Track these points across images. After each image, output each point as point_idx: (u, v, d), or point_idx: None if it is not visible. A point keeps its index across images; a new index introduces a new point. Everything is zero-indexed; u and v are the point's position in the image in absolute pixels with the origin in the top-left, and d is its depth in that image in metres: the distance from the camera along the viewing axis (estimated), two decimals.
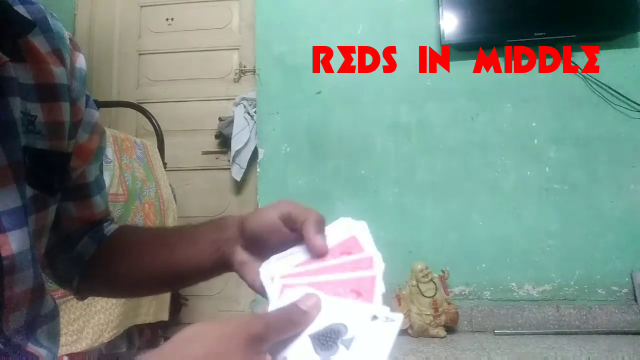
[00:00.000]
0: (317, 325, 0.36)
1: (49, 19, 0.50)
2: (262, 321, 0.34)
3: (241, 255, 0.49)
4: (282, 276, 0.42)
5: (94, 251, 0.58)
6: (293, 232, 0.45)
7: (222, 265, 0.50)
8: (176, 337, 0.33)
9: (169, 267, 0.53)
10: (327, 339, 0.35)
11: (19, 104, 0.43)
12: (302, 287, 0.40)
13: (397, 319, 0.35)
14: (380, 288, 0.39)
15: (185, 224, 0.56)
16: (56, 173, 0.49)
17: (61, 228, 0.56)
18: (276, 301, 0.39)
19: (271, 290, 0.41)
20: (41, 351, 0.46)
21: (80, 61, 0.54)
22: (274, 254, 0.45)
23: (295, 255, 0.44)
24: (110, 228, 0.61)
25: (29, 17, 0.46)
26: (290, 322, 0.35)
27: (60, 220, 0.55)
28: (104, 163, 0.68)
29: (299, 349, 0.35)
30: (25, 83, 0.45)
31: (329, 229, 0.45)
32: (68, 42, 0.52)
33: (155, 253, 0.55)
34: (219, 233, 0.51)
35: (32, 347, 0.45)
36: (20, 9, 0.46)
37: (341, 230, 0.44)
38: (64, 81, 0.49)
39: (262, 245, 0.47)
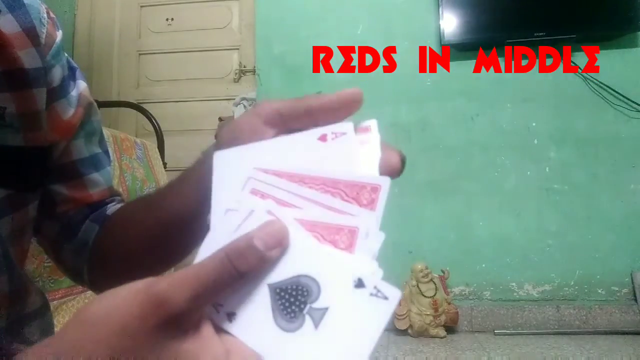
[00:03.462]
0: (280, 272, 0.26)
1: None
2: (182, 292, 0.24)
3: None
4: (249, 176, 0.29)
5: (96, 235, 0.51)
6: (284, 130, 0.34)
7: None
8: (67, 331, 0.25)
9: (161, 227, 0.45)
10: (291, 302, 0.25)
11: None
12: (269, 204, 0.27)
13: (392, 298, 0.24)
14: (376, 236, 0.27)
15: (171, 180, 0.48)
16: (34, 169, 0.45)
17: (59, 213, 0.51)
18: (221, 224, 0.28)
19: (219, 186, 0.30)
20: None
21: (57, 35, 0.48)
22: None
23: (274, 145, 0.31)
24: (114, 208, 0.54)
25: None
26: (237, 273, 0.24)
27: (55, 205, 0.50)
28: None
29: (253, 302, 0.25)
30: None
31: None
32: (44, 14, 0.46)
33: (146, 218, 0.47)
34: (199, 169, 0.41)
35: (18, 348, 0.44)
36: None
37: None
38: (38, 64, 0.43)
39: None
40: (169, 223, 0.44)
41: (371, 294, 0.24)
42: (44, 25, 0.45)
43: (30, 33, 0.43)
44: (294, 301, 0.25)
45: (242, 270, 0.24)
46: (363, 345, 0.24)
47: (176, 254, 0.49)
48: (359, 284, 0.25)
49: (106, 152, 0.56)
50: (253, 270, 0.25)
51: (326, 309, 0.25)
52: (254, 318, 0.25)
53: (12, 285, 0.43)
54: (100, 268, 0.52)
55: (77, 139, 0.51)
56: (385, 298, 0.24)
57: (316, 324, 0.24)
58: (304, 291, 0.25)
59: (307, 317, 0.25)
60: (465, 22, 2.14)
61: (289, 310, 0.25)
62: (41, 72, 0.44)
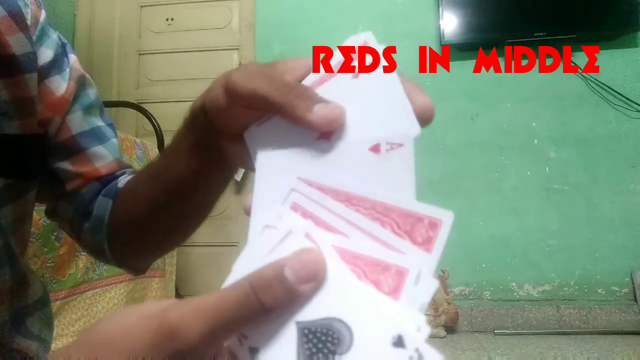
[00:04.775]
0: (311, 310, 0.22)
1: None
2: (199, 324, 0.21)
3: (228, 147, 0.34)
4: (292, 187, 0.26)
5: (111, 209, 0.49)
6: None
7: (217, 163, 0.38)
8: (70, 352, 0.24)
9: (165, 194, 0.43)
10: (319, 348, 0.22)
11: None
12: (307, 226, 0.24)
13: None
14: (429, 284, 0.22)
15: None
16: (32, 157, 0.44)
17: (70, 192, 0.49)
18: (256, 247, 0.25)
19: (260, 198, 0.27)
20: (31, 343, 0.45)
21: (42, 16, 0.47)
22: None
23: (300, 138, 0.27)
24: (124, 180, 0.52)
25: None
26: (261, 307, 0.22)
27: (64, 184, 0.49)
28: None
29: (279, 340, 0.23)
30: None
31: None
32: None
33: (150, 185, 0.45)
34: (192, 131, 0.37)
35: (20, 341, 0.44)
36: None
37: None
38: (27, 49, 0.42)
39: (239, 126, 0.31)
40: (172, 187, 0.42)
41: (410, 357, 0.21)
42: (28, 6, 0.44)
43: (17, 16, 0.42)
44: (322, 347, 0.22)
45: (267, 304, 0.21)
46: None
47: (187, 219, 0.47)
48: (399, 342, 0.21)
49: (110, 125, 0.54)
50: (280, 306, 0.22)
51: (351, 337, 0.21)
52: (278, 356, 0.22)
53: (15, 276, 0.43)
54: (119, 243, 0.50)
55: (72, 112, 0.49)
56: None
57: (346, 352, 0.21)
58: (335, 338, 0.22)
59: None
60: (465, 22, 2.14)
61: (314, 357, 0.22)
62: (31, 56, 0.43)
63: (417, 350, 0.21)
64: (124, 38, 2.78)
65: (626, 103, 2.08)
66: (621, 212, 2.05)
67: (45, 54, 0.46)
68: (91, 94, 0.52)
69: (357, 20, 2.29)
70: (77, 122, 0.50)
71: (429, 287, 0.22)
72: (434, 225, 0.22)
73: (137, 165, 1.81)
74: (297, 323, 0.22)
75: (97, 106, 0.53)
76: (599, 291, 2.03)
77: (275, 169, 0.27)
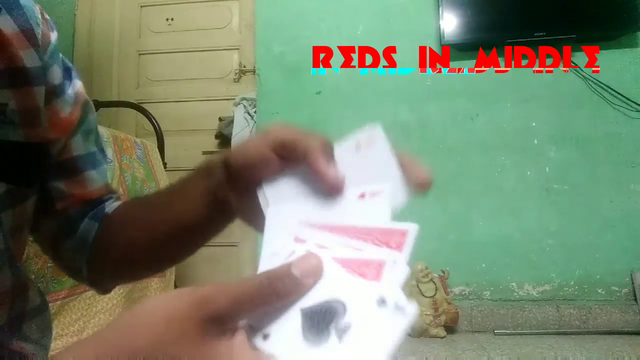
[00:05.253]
0: (313, 297, 0.28)
1: None
2: (225, 297, 0.26)
3: (236, 201, 0.42)
4: (290, 223, 0.34)
5: (96, 232, 0.52)
6: (290, 162, 0.37)
7: (222, 214, 0.45)
8: (117, 321, 0.28)
9: (166, 229, 0.48)
10: (320, 321, 0.27)
11: None
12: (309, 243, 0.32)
13: (410, 310, 0.26)
14: (402, 269, 0.29)
15: (176, 180, 0.50)
16: (33, 164, 0.46)
17: (58, 211, 0.52)
18: (267, 265, 0.31)
19: (270, 235, 0.34)
20: (28, 347, 0.45)
21: (52, 36, 0.49)
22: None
23: (300, 186, 0.36)
24: (112, 206, 0.55)
25: None
26: (274, 293, 0.27)
27: (54, 202, 0.51)
28: None
29: (286, 324, 0.28)
30: None
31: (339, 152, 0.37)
32: (39, 15, 0.47)
33: (150, 218, 0.50)
34: (207, 181, 0.44)
35: (18, 344, 0.44)
36: None
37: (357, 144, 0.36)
38: (36, 63, 0.44)
39: (254, 183, 0.39)
40: (176, 225, 0.47)
41: (391, 310, 0.27)
42: (39, 26, 0.46)
43: (28, 34, 0.44)
44: (321, 320, 0.27)
45: (279, 292, 0.27)
46: (381, 353, 0.26)
47: (178, 255, 0.51)
48: (382, 302, 0.27)
49: (102, 150, 0.57)
50: (289, 294, 0.27)
51: (349, 325, 0.27)
52: (286, 336, 0.28)
53: (14, 281, 0.43)
54: (100, 265, 0.53)
55: (75, 135, 0.52)
56: (404, 313, 0.26)
57: (340, 338, 0.26)
58: (332, 313, 0.27)
59: (333, 332, 0.27)
60: (465, 22, 2.14)
61: (317, 329, 0.27)
62: (40, 71, 0.45)
63: (396, 304, 0.26)
64: (124, 38, 2.78)
65: (626, 103, 2.08)
66: (621, 212, 2.05)
67: (55, 74, 0.49)
68: (92, 119, 0.55)
69: (357, 20, 2.29)
70: (78, 145, 0.53)
71: (403, 272, 0.29)
72: (403, 233, 0.31)
73: (137, 165, 1.81)
74: (301, 310, 0.28)
75: (94, 131, 0.56)
76: (599, 291, 2.03)
77: (282, 214, 0.35)
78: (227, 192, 0.42)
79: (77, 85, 0.53)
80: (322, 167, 0.35)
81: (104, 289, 0.57)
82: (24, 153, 0.44)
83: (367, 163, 0.35)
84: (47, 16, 0.49)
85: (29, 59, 0.44)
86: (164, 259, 0.53)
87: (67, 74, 0.52)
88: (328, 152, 0.36)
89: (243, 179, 0.39)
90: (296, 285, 0.27)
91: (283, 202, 0.36)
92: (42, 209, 0.50)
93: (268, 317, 0.28)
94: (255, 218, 0.40)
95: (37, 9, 0.47)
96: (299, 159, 0.36)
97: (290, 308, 0.28)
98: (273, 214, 0.36)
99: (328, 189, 0.35)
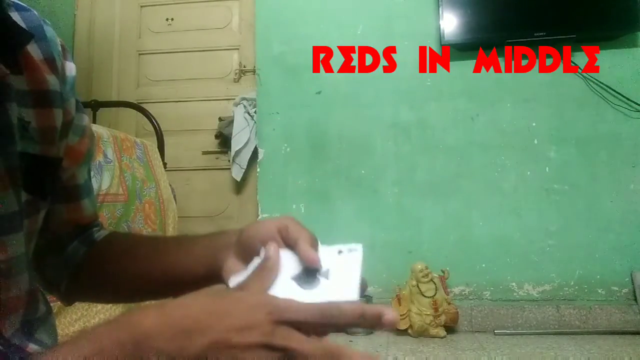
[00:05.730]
0: (296, 268, 0.41)
1: (43, 27, 0.50)
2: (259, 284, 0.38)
3: (233, 263, 0.48)
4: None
5: (83, 255, 0.58)
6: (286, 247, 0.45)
7: (215, 273, 0.50)
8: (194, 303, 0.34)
9: (163, 273, 0.53)
10: (308, 277, 0.40)
11: (15, 110, 0.44)
12: None
13: (359, 247, 0.41)
14: (356, 246, 0.43)
15: (185, 235, 0.57)
16: (47, 178, 0.50)
17: (50, 230, 0.56)
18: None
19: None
20: (42, 351, 0.46)
21: (70, 68, 0.54)
22: None
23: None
24: (100, 233, 0.62)
25: (25, 26, 0.47)
26: (268, 270, 0.39)
27: (49, 222, 0.55)
28: (103, 163, 0.68)
29: (286, 290, 0.38)
30: (20, 89, 0.45)
31: (322, 250, 0.45)
32: (60, 49, 0.52)
33: (149, 258, 0.55)
34: (215, 241, 0.51)
35: (32, 347, 0.46)
36: (16, 16, 0.47)
37: (333, 254, 0.45)
38: (57, 88, 0.50)
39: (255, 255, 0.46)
40: (171, 274, 0.53)
41: (347, 254, 0.42)
42: (60, 57, 0.52)
43: (51, 62, 0.50)
44: (310, 274, 0.40)
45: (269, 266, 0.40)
46: (353, 279, 0.39)
47: (158, 296, 0.55)
48: (340, 252, 0.42)
49: (90, 177, 0.62)
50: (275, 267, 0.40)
51: (328, 270, 0.40)
52: (284, 291, 0.38)
53: (31, 284, 0.46)
54: (80, 286, 0.58)
55: (82, 165, 0.58)
56: (355, 250, 0.42)
57: (327, 278, 0.40)
58: (314, 269, 0.41)
59: (321, 278, 0.40)
60: (465, 22, 2.14)
61: (309, 281, 0.40)
62: (59, 95, 0.50)
63: (349, 249, 0.42)
64: (124, 38, 2.78)
65: (626, 103, 2.08)
66: (621, 212, 2.05)
67: (72, 107, 0.54)
68: (93, 151, 0.61)
69: (357, 20, 2.29)
70: (81, 174, 0.58)
71: (357, 247, 0.42)
72: (354, 248, 0.43)
73: (137, 165, 1.81)
74: (292, 277, 0.40)
75: (90, 161, 0.62)
76: (599, 291, 2.03)
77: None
78: (226, 255, 0.49)
79: (85, 120, 0.58)
80: (304, 247, 0.42)
81: (70, 303, 0.62)
82: (41, 167, 0.48)
83: (336, 269, 0.41)
84: (67, 48, 0.55)
85: (52, 83, 0.49)
86: (144, 295, 0.59)
87: (77, 106, 0.56)
88: (313, 243, 0.44)
89: (250, 251, 0.46)
90: (271, 261, 0.40)
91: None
92: None
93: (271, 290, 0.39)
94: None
95: (58, 41, 0.53)
96: (290, 243, 0.44)
97: (284, 280, 0.39)
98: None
99: (305, 260, 0.42)
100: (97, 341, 0.32)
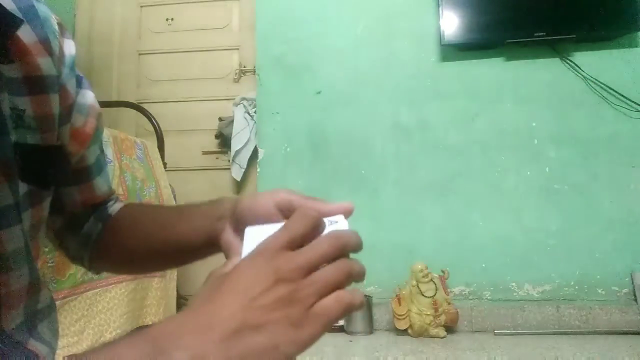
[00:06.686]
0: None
1: (35, 5, 0.47)
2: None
3: (229, 235, 0.50)
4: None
5: (99, 231, 0.60)
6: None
7: (214, 243, 0.52)
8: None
9: (166, 244, 0.55)
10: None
11: (7, 100, 0.42)
12: None
13: (340, 218, 0.44)
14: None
15: (186, 203, 0.58)
16: (49, 167, 0.49)
17: (66, 211, 0.58)
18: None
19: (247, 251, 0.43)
20: (41, 347, 0.46)
21: (69, 46, 0.52)
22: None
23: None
24: (114, 207, 0.63)
25: (15, 6, 0.44)
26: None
27: (64, 204, 0.57)
28: None
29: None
30: (11, 77, 0.43)
31: None
32: (56, 27, 0.50)
33: (155, 230, 0.57)
34: (212, 210, 0.53)
35: (33, 343, 0.45)
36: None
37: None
38: (52, 72, 0.47)
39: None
40: (174, 244, 0.55)
41: (334, 224, 0.43)
42: (56, 37, 0.49)
43: (45, 44, 0.47)
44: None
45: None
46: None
47: (167, 267, 0.60)
48: (330, 223, 0.43)
49: (102, 151, 0.62)
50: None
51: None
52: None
53: (31, 279, 0.45)
54: (101, 259, 0.61)
55: (90, 146, 0.57)
56: (336, 222, 0.44)
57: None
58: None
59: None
60: (465, 22, 2.14)
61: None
62: (55, 79, 0.48)
63: (336, 222, 0.44)
64: (124, 38, 2.78)
65: (626, 103, 2.08)
66: (621, 212, 2.05)
67: (73, 87, 0.52)
68: (102, 129, 0.61)
69: (357, 20, 2.29)
70: (92, 155, 0.58)
71: (343, 225, 0.44)
72: (335, 220, 0.45)
73: (137, 165, 1.81)
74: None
75: (100, 138, 0.61)
76: (599, 291, 2.03)
77: (258, 237, 0.42)
78: (223, 226, 0.50)
79: (89, 97, 0.56)
80: (337, 206, 0.45)
81: (98, 272, 0.66)
82: (41, 156, 0.47)
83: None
84: (64, 25, 0.52)
85: (46, 67, 0.46)
86: (155, 266, 0.63)
87: (78, 82, 0.54)
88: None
89: (244, 223, 0.45)
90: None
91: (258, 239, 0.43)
92: (51, 207, 0.53)
93: None
94: (233, 254, 0.47)
95: (54, 19, 0.49)
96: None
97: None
98: (250, 232, 0.43)
99: (342, 211, 0.45)
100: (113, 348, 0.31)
